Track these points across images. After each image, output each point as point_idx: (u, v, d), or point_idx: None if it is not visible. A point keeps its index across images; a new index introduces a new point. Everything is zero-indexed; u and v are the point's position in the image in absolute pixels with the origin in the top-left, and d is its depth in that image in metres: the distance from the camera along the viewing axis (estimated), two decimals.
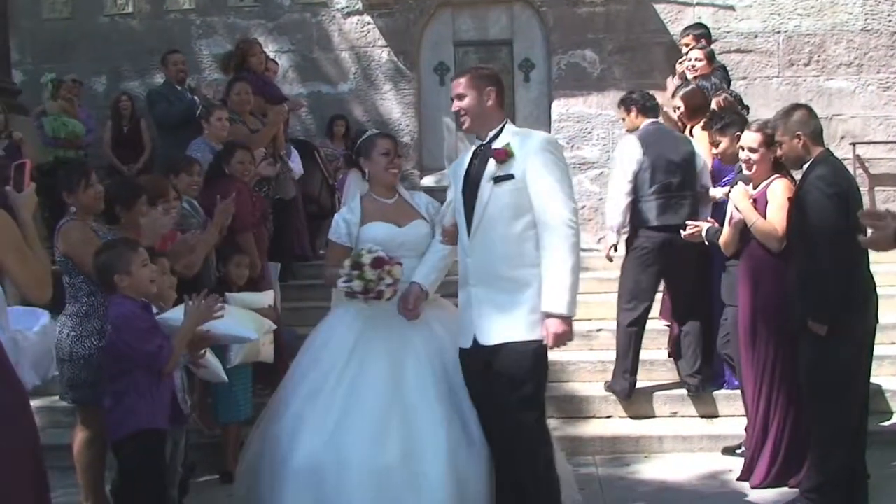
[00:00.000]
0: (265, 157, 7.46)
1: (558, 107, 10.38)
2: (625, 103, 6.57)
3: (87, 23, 10.91)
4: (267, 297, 5.87)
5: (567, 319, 4.00)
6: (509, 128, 4.25)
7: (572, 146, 10.24)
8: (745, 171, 5.23)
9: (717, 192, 6.18)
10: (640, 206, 6.21)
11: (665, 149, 6.24)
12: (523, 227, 4.08)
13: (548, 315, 3.99)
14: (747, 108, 6.94)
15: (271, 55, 9.64)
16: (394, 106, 10.59)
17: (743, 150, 5.18)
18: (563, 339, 4.01)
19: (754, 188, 5.18)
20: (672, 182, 6.18)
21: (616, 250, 6.49)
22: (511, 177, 4.09)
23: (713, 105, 6.66)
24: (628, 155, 6.23)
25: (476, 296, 4.14)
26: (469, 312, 4.18)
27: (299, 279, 8.20)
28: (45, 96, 9.05)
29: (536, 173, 4.05)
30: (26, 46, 10.81)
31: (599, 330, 7.17)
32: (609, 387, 6.41)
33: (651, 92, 6.85)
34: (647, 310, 6.34)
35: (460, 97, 4.26)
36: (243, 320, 4.90)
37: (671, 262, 6.18)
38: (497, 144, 4.17)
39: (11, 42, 9.37)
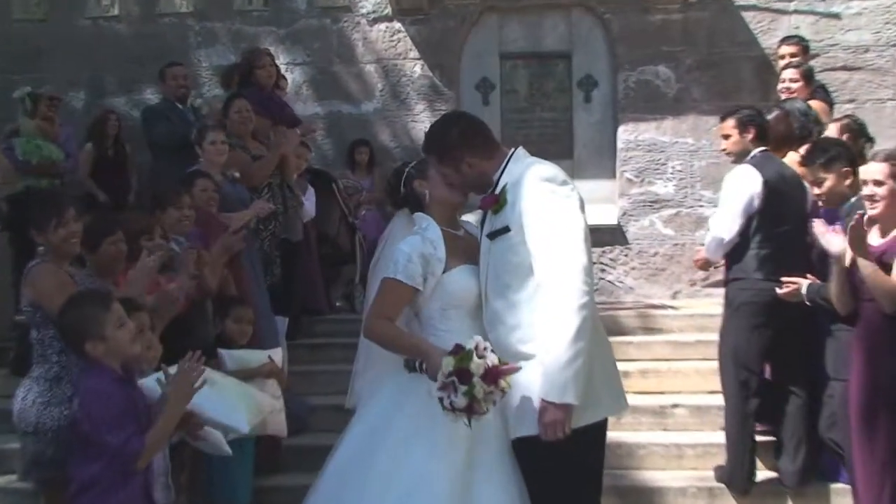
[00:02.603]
0: (267, 190, 7.46)
1: (625, 133, 10.32)
2: (742, 121, 6.20)
3: (65, 26, 10.95)
4: (267, 354, 5.89)
5: (561, 406, 3.79)
6: (513, 164, 4.10)
7: (642, 180, 10.20)
8: (870, 210, 5.11)
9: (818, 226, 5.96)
10: (749, 253, 6.03)
11: (782, 185, 6.06)
12: (533, 290, 3.90)
13: (542, 400, 3.84)
14: (872, 139, 6.76)
15: (282, 68, 9.71)
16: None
17: (866, 183, 5.07)
18: (555, 428, 3.82)
19: (882, 235, 5.06)
20: (787, 226, 6.03)
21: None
22: (507, 230, 3.97)
23: (834, 130, 6.50)
24: (747, 188, 5.98)
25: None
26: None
27: (311, 337, 8.15)
28: (21, 113, 9.01)
29: (529, 219, 3.89)
30: None
31: (675, 406, 7.07)
32: (720, 477, 6.28)
33: None
34: (761, 382, 6.14)
35: (445, 176, 4.19)
36: (237, 403, 4.84)
37: (781, 322, 5.99)
38: (499, 188, 4.06)
39: None
